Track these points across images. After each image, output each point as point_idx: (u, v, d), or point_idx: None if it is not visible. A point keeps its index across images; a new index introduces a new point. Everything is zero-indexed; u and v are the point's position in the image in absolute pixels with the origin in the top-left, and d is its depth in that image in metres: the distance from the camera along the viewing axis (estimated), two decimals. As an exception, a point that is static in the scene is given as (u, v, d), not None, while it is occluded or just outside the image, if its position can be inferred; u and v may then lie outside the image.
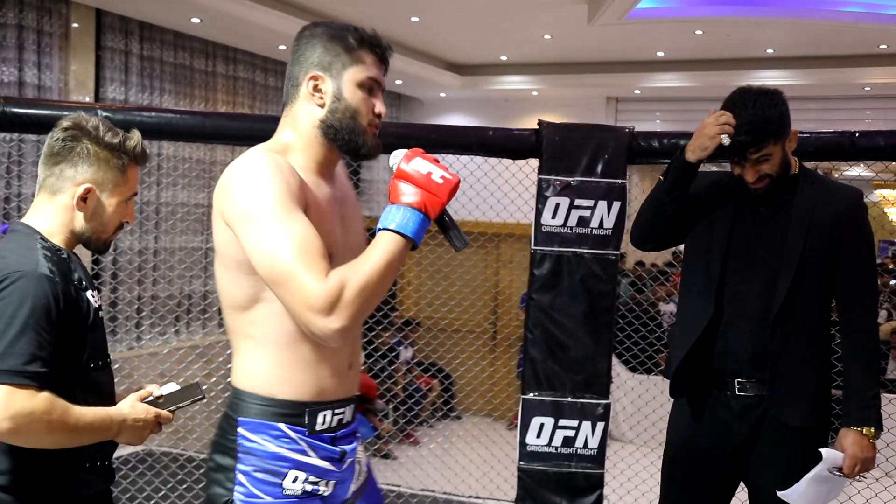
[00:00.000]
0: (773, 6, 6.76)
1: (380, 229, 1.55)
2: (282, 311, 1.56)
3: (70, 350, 1.73)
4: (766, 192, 2.29)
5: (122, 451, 5.05)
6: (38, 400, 1.60)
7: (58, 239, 1.81)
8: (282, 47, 7.56)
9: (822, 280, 2.27)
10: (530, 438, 3.40)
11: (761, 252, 2.32)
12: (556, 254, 3.35)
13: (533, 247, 3.37)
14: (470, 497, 4.41)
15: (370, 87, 1.68)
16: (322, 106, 1.67)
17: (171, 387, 1.88)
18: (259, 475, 1.62)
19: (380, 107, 1.69)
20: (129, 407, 1.77)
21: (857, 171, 9.51)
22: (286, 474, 1.62)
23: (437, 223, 1.62)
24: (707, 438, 2.40)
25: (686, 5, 6.96)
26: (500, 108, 10.02)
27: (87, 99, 6.10)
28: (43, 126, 3.38)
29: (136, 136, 1.94)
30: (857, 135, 3.09)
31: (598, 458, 3.40)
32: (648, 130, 3.43)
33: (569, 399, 3.38)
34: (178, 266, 6.83)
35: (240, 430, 1.63)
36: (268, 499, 1.61)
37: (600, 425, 3.39)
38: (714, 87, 8.53)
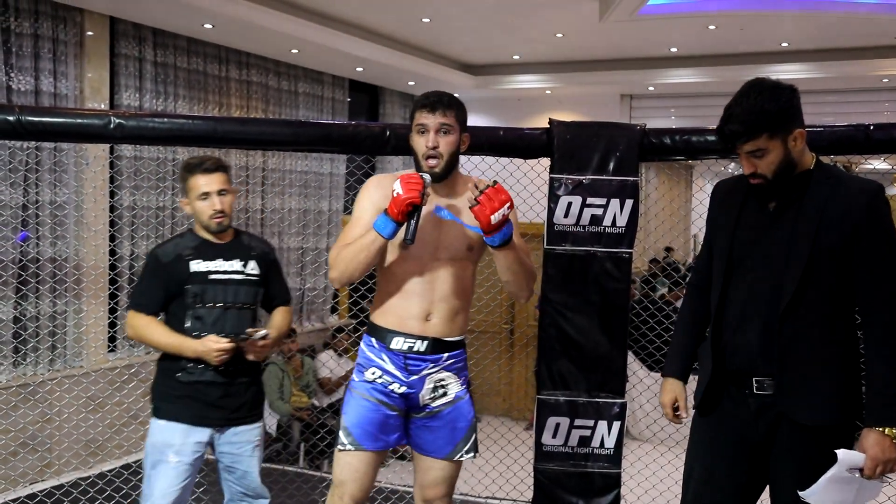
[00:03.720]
0: (786, -1, 6.71)
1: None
2: (382, 277, 2.59)
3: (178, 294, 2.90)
4: (768, 188, 2.27)
5: (140, 455, 5.08)
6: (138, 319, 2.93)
7: (203, 232, 2.96)
8: (294, 51, 7.58)
9: (835, 276, 2.22)
10: (546, 438, 3.39)
11: (771, 248, 2.29)
12: (569, 253, 3.34)
13: (546, 246, 3.36)
14: (487, 498, 4.41)
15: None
16: None
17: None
18: (359, 364, 2.61)
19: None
20: (197, 342, 2.83)
21: (875, 164, 9.42)
22: (368, 368, 2.57)
23: (406, 221, 2.39)
24: (727, 437, 2.38)
25: (698, 0, 6.92)
26: (513, 108, 10.00)
27: (102, 106, 6.14)
28: (58, 134, 3.42)
29: (199, 158, 2.92)
30: (872, 127, 3.06)
31: (615, 457, 3.38)
32: (661, 127, 3.41)
33: (584, 398, 3.37)
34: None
35: (362, 339, 2.64)
36: (357, 380, 2.59)
37: (616, 424, 3.37)
38: (728, 81, 8.43)
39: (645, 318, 5.63)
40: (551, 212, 3.33)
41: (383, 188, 2.51)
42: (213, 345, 2.80)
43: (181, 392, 2.88)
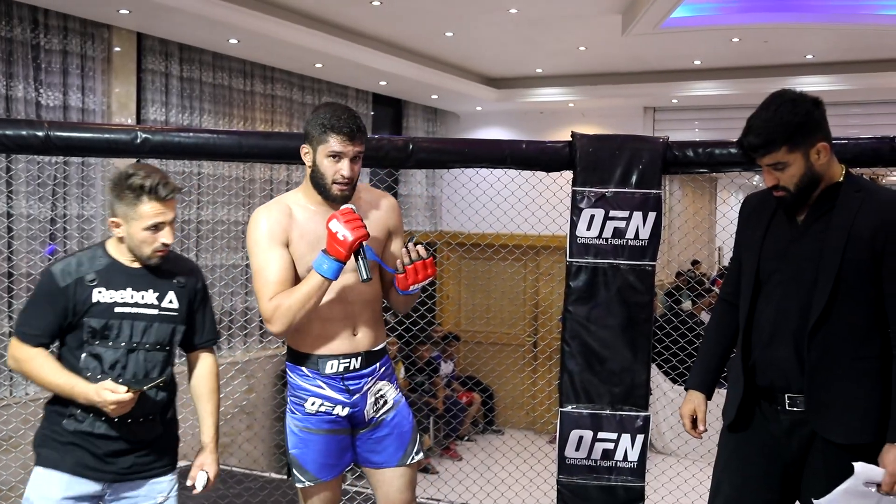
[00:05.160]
0: (810, 12, 6.67)
1: (312, 267, 2.35)
2: None
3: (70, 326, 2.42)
4: (793, 201, 2.25)
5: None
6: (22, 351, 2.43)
7: (118, 252, 2.47)
8: (318, 65, 7.64)
9: (866, 289, 2.18)
10: (569, 451, 3.38)
11: (800, 262, 2.26)
12: (592, 265, 3.34)
13: (568, 259, 3.36)
14: (510, 511, 4.39)
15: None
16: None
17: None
18: (292, 399, 2.52)
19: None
20: (91, 387, 2.33)
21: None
22: (307, 399, 2.49)
23: (354, 259, 2.35)
24: (757, 454, 2.34)
25: (721, 13, 6.90)
26: (535, 121, 10.00)
27: (129, 121, 6.23)
28: (86, 149, 3.47)
29: (152, 177, 2.40)
30: (897, 140, 3.04)
31: (639, 470, 3.36)
32: (684, 140, 3.41)
33: (607, 411, 3.36)
34: (217, 283, 6.92)
35: (287, 370, 2.54)
36: (298, 414, 2.51)
37: (640, 438, 3.35)
38: (752, 94, 8.39)
39: (669, 332, 5.60)
40: (574, 225, 3.34)
41: (274, 221, 2.42)
42: (110, 395, 2.30)
43: (66, 439, 2.42)
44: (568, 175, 3.44)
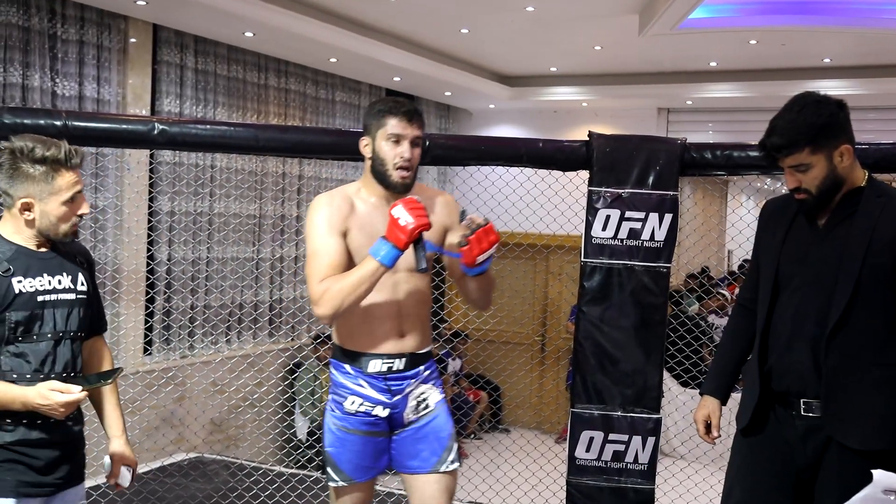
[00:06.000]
0: (829, 15, 6.63)
1: (368, 253, 2.28)
2: None
3: None
4: (814, 204, 2.23)
5: (174, 458, 5.13)
6: None
7: (21, 238, 2.23)
8: (332, 60, 7.64)
9: (886, 295, 2.17)
10: (579, 452, 3.37)
11: (820, 265, 2.24)
12: (607, 266, 3.33)
13: (583, 259, 3.35)
14: (518, 510, 4.39)
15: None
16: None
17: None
18: (333, 396, 2.48)
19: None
20: (34, 390, 2.08)
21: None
22: (347, 398, 2.44)
23: (413, 249, 2.29)
24: (770, 460, 2.32)
25: (740, 15, 6.86)
26: (549, 120, 9.98)
27: (144, 112, 6.23)
28: (103, 139, 3.48)
29: (58, 146, 2.20)
30: (917, 145, 3.02)
31: (649, 473, 3.35)
32: (700, 142, 3.39)
33: (619, 413, 3.34)
34: (230, 276, 6.93)
35: (331, 366, 2.51)
36: (337, 412, 2.46)
37: (651, 440, 3.34)
38: (768, 97, 8.37)
39: (682, 334, 5.58)
40: (589, 225, 3.32)
41: (335, 207, 2.39)
42: (59, 397, 2.06)
43: (2, 456, 2.15)
44: (584, 174, 3.42)
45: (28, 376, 2.15)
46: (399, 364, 2.45)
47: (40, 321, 2.19)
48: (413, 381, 2.48)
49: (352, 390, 2.44)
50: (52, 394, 2.07)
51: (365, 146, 2.43)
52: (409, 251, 2.29)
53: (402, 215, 2.23)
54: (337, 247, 2.34)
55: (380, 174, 2.39)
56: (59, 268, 2.26)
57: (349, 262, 2.36)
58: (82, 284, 2.29)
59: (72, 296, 2.26)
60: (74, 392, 2.08)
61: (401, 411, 2.47)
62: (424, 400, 2.51)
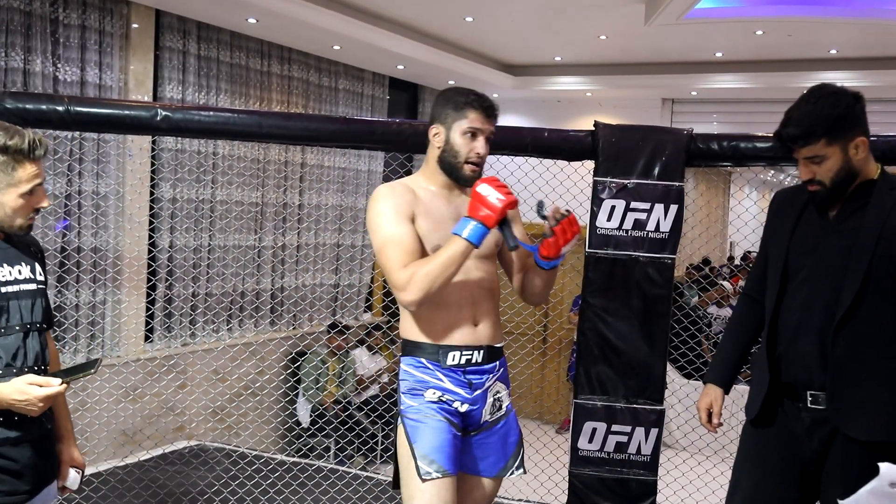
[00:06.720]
0: (835, 6, 6.59)
1: (453, 234, 2.23)
2: None
3: None
4: (827, 196, 2.22)
5: (175, 446, 5.13)
6: None
7: None
8: (335, 47, 7.60)
9: (895, 289, 2.16)
10: (582, 443, 3.36)
11: (829, 257, 2.23)
12: (611, 257, 3.31)
13: (587, 249, 3.33)
14: (520, 500, 4.38)
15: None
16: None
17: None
18: (409, 393, 2.35)
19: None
20: (10, 386, 1.97)
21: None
22: (426, 390, 2.33)
23: (499, 229, 2.24)
24: (777, 451, 2.33)
25: (746, 5, 6.82)
26: (552, 109, 9.94)
27: (146, 98, 6.20)
28: (106, 125, 3.45)
29: (21, 136, 2.06)
30: (926, 137, 3.00)
31: (652, 464, 3.35)
32: (706, 132, 3.37)
33: (622, 404, 3.33)
34: (232, 264, 6.91)
35: (402, 365, 2.40)
36: (416, 404, 2.33)
37: (654, 431, 3.33)
38: (774, 88, 8.33)
39: (686, 326, 5.56)
40: (594, 215, 3.31)
41: (399, 196, 2.34)
42: (38, 391, 1.97)
43: None
44: (588, 164, 3.40)
45: (0, 371, 2.04)
46: (477, 356, 2.36)
47: (7, 314, 2.08)
48: (491, 375, 2.41)
49: (430, 384, 2.34)
50: (31, 388, 1.97)
51: (435, 135, 2.40)
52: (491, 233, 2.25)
53: (491, 193, 2.19)
54: (410, 233, 2.29)
55: (449, 165, 2.37)
56: (16, 258, 2.14)
57: (422, 247, 2.31)
58: (40, 275, 2.20)
59: (33, 286, 2.16)
60: (55, 385, 2.00)
61: (479, 409, 2.39)
62: (499, 399, 2.44)
